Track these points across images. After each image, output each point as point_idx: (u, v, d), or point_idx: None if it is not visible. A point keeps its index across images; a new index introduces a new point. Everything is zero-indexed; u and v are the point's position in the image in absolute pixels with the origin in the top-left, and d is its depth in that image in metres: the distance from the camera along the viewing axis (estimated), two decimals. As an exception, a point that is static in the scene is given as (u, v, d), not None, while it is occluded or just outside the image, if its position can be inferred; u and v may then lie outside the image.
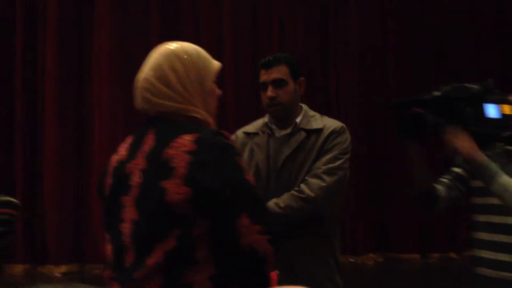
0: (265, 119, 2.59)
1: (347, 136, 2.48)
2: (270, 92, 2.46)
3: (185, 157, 1.51)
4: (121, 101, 6.22)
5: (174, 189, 1.50)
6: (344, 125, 2.51)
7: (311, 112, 2.57)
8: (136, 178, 1.58)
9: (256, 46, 6.67)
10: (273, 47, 6.48)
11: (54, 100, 6.21)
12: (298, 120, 2.51)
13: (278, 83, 2.46)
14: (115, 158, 1.68)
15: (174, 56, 1.65)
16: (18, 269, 5.71)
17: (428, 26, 6.99)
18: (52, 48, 6.27)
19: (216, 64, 1.72)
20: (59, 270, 5.99)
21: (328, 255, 2.48)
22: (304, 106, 2.58)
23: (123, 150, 1.69)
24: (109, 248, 1.66)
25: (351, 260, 6.70)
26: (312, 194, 2.35)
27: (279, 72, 2.47)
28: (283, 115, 2.50)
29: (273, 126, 2.54)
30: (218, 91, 1.74)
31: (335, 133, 2.45)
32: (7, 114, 6.26)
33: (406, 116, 2.08)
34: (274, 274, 1.65)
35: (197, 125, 1.61)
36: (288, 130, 2.50)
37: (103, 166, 1.77)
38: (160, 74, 1.63)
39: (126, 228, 1.58)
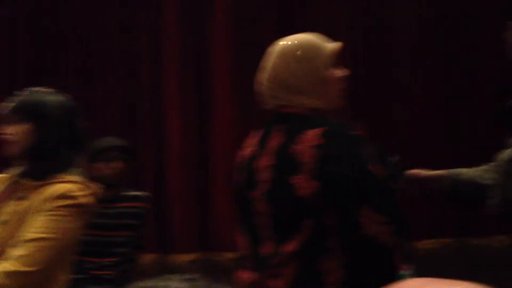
0: None
1: None
2: None
3: (313, 151, 1.53)
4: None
5: (303, 184, 1.53)
6: None
7: None
8: (265, 174, 1.62)
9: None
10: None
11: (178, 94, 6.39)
12: None
13: None
14: (241, 155, 1.74)
15: (288, 53, 1.64)
16: (148, 258, 5.98)
17: None
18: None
19: (330, 48, 1.67)
20: (185, 258, 6.23)
21: None
22: None
23: (250, 146, 1.72)
24: (241, 240, 1.72)
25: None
26: None
27: None
28: None
29: None
30: (341, 72, 1.69)
31: None
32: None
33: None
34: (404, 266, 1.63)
35: (322, 118, 1.61)
36: None
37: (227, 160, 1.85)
38: (279, 71, 1.64)
39: (261, 221, 1.64)
